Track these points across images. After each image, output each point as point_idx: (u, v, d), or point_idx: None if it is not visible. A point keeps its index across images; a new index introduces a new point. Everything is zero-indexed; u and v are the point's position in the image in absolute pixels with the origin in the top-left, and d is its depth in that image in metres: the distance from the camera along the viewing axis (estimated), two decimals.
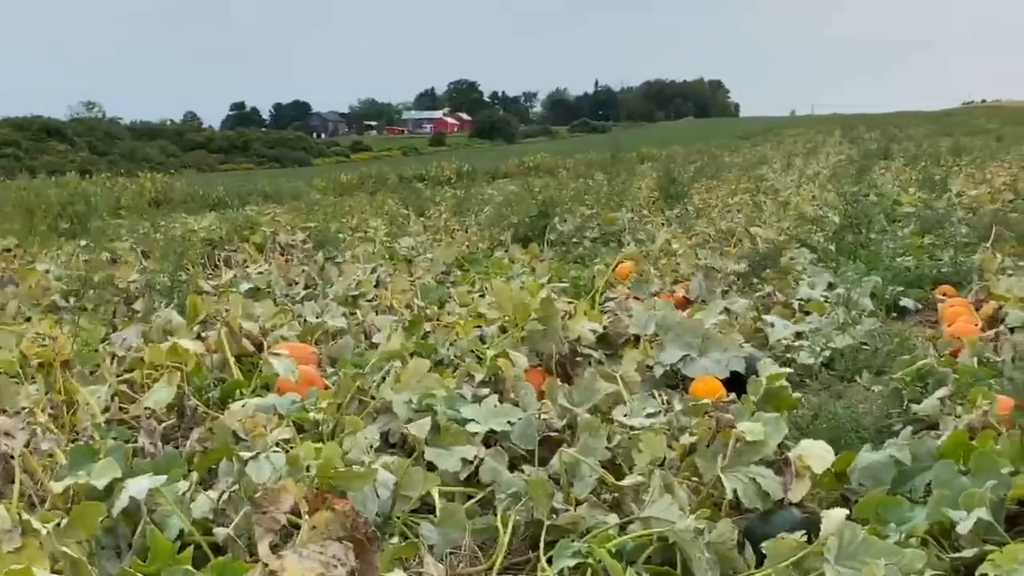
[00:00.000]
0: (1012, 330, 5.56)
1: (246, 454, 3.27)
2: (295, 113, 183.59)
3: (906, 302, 7.48)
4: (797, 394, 5.14)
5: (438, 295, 7.79)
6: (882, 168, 23.62)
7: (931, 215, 12.07)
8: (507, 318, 5.38)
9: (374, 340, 6.35)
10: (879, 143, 37.68)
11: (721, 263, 8.88)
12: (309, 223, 15.57)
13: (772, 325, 5.85)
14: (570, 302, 6.83)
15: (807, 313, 6.84)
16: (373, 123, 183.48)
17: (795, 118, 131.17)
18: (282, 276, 9.41)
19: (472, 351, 5.52)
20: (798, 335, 5.95)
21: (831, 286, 7.55)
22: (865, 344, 5.91)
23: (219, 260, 11.81)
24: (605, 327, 5.48)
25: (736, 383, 5.23)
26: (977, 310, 6.86)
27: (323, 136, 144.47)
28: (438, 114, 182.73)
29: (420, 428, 3.57)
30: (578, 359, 5.34)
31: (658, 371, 5.36)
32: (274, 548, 2.63)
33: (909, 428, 4.21)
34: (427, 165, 44.89)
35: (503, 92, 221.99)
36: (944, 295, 7.62)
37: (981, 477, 3.24)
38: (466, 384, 4.75)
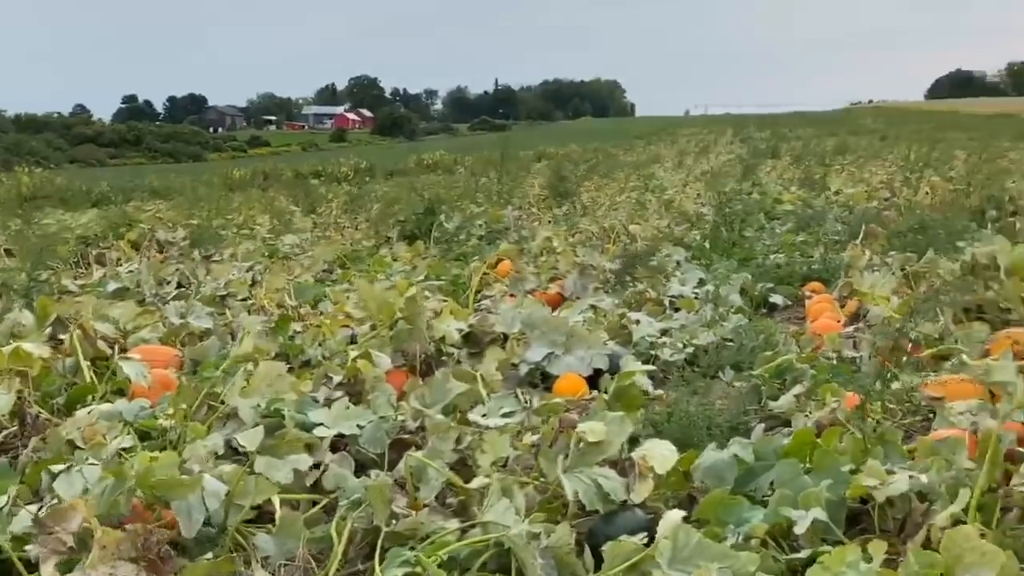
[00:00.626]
0: (871, 326, 5.65)
1: (58, 467, 3.12)
2: (191, 107, 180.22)
3: (776, 298, 7.59)
4: (659, 391, 5.17)
5: (313, 294, 7.65)
6: (768, 167, 24.03)
7: (808, 213, 12.32)
8: (374, 318, 5.29)
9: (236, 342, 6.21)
10: (768, 143, 38.41)
11: (599, 261, 8.90)
12: (193, 220, 15.24)
13: (637, 322, 5.86)
14: (444, 300, 6.77)
15: (677, 310, 6.89)
16: (272, 118, 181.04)
17: (689, 118, 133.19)
18: (153, 275, 9.15)
19: (343, 352, 5.42)
20: (664, 332, 5.98)
21: (702, 283, 7.62)
22: (730, 340, 5.97)
23: (92, 259, 11.45)
24: (471, 326, 5.43)
25: (600, 380, 5.23)
26: (842, 307, 7.00)
27: (220, 131, 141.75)
28: (339, 110, 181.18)
29: (251, 438, 3.46)
30: (444, 358, 5.28)
31: (523, 369, 5.33)
32: (62, 570, 2.50)
33: (762, 426, 4.25)
34: (325, 161, 44.46)
35: (404, 89, 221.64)
36: (812, 292, 7.75)
37: (822, 476, 3.26)
38: (324, 387, 4.65)
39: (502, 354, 5.13)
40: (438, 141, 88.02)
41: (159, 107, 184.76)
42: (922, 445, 3.47)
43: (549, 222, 13.96)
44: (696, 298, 7.23)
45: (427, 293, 6.88)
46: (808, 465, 3.41)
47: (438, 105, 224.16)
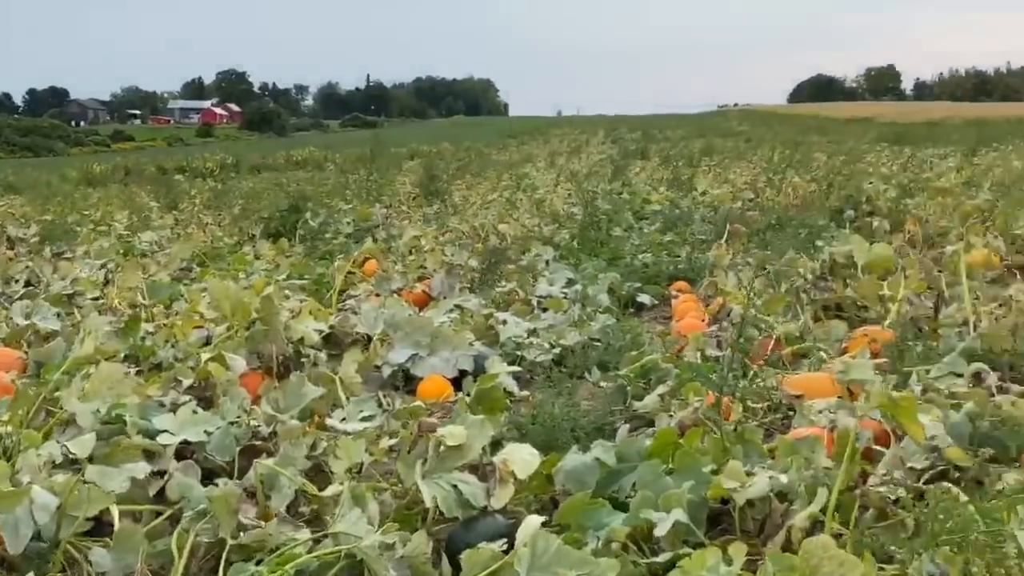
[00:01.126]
0: (734, 325, 5.67)
1: None
2: (52, 100, 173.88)
3: (643, 298, 7.60)
4: (524, 392, 5.09)
5: (168, 294, 7.35)
6: (638, 168, 24.33)
7: (675, 213, 12.47)
8: (229, 319, 5.07)
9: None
10: (638, 144, 38.96)
11: (466, 260, 8.80)
12: (47, 215, 14.61)
13: (504, 323, 5.77)
14: (304, 300, 6.57)
15: (545, 310, 6.84)
16: (137, 112, 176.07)
17: (562, 118, 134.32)
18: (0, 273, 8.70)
19: (196, 354, 5.18)
20: (531, 332, 5.91)
21: (571, 283, 7.58)
22: (597, 341, 5.93)
23: None
24: (332, 326, 5.26)
25: (466, 381, 5.13)
26: (707, 306, 7.05)
27: (82, 124, 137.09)
28: (206, 104, 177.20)
29: (82, 445, 3.24)
30: (302, 360, 5.10)
31: (386, 371, 5.19)
32: None
33: (626, 427, 4.20)
34: (191, 156, 43.37)
35: (274, 84, 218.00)
36: (678, 291, 7.80)
37: (683, 477, 3.22)
38: (173, 390, 4.43)
39: (363, 356, 4.97)
40: (308, 137, 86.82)
41: (18, 100, 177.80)
42: (782, 444, 3.46)
43: (419, 221, 13.81)
44: (564, 298, 7.19)
45: (287, 292, 6.69)
46: (670, 466, 3.36)
47: (309, 101, 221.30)
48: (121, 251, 10.07)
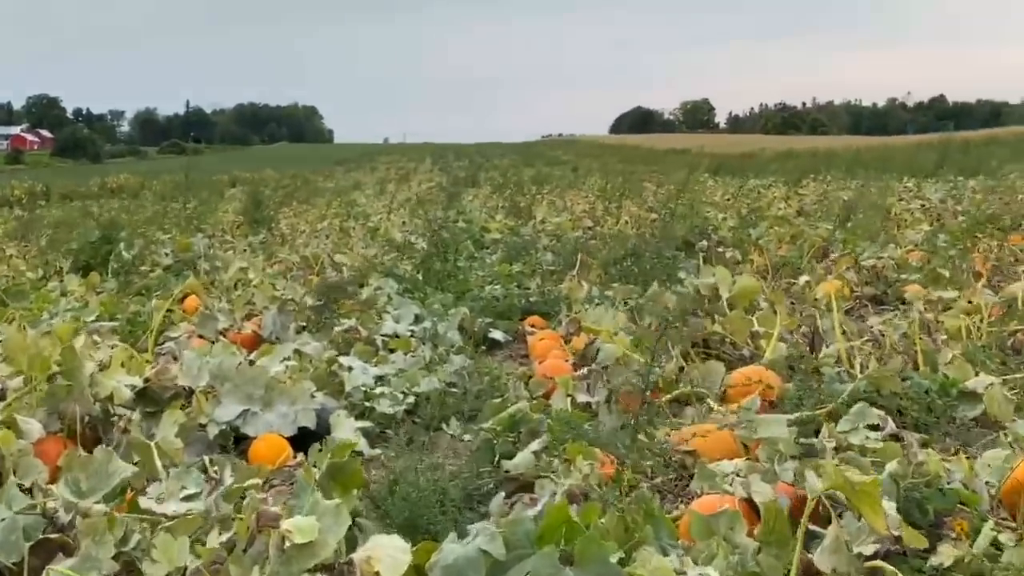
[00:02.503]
0: (606, 367, 5.19)
1: None
2: None
3: (496, 334, 7.07)
4: (376, 450, 4.46)
5: None
6: (471, 195, 23.91)
7: (518, 242, 12.01)
8: (26, 373, 4.25)
9: None
10: (467, 171, 38.70)
11: (300, 294, 8.07)
12: None
13: (350, 369, 5.09)
14: (115, 345, 5.74)
15: (392, 351, 6.21)
16: None
17: (389, 145, 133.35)
18: None
19: None
20: (379, 379, 5.26)
21: (417, 319, 6.97)
22: (453, 386, 5.35)
23: None
24: (147, 380, 4.49)
25: (307, 440, 4.46)
26: (567, 342, 6.56)
27: None
28: (16, 130, 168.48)
29: None
30: (113, 420, 4.32)
31: (212, 431, 4.46)
32: None
33: (501, 495, 3.62)
34: None
35: (88, 109, 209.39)
36: (533, 326, 7.30)
37: (588, 569, 2.65)
38: None
39: (184, 415, 4.23)
40: (125, 164, 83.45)
41: None
42: (694, 520, 2.95)
43: (244, 251, 12.94)
44: (412, 336, 6.59)
45: (96, 338, 5.84)
46: (566, 550, 2.79)
47: (125, 127, 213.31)
48: None
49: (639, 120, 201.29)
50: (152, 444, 3.82)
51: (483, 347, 6.83)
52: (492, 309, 7.55)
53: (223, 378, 4.58)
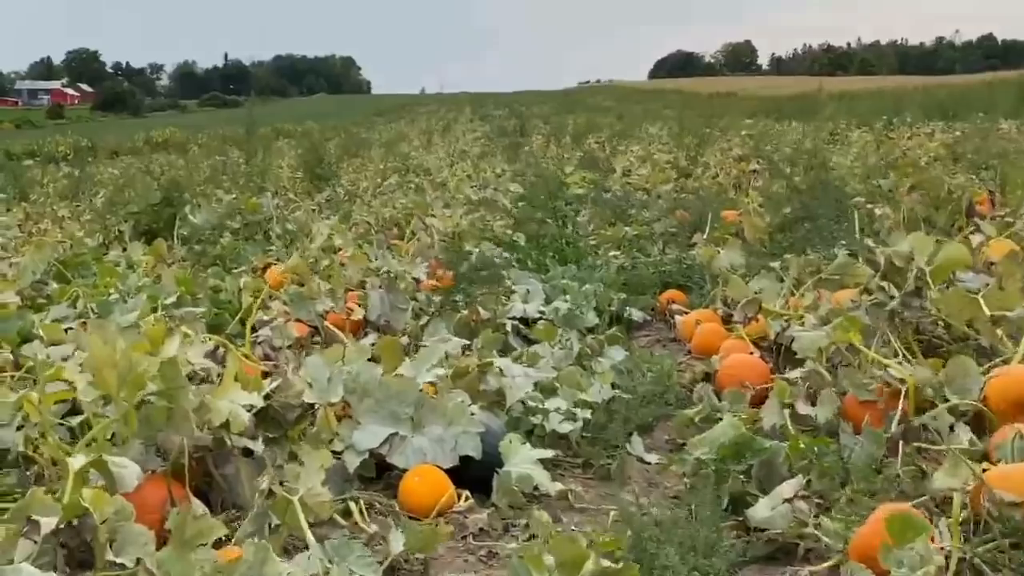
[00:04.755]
0: (835, 368, 4.20)
1: None
2: None
3: (633, 313, 6.07)
4: (557, 484, 3.49)
5: (16, 328, 5.48)
6: (527, 146, 22.72)
7: (610, 199, 10.96)
8: (113, 396, 3.30)
9: None
10: (508, 120, 37.51)
11: (399, 266, 7.10)
12: None
13: (511, 376, 4.06)
14: (210, 338, 4.80)
15: (529, 341, 5.24)
16: None
17: (426, 96, 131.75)
18: None
19: (60, 460, 3.39)
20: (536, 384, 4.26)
21: (547, 299, 5.97)
22: (617, 387, 4.36)
23: None
24: (269, 397, 3.53)
25: (469, 472, 3.51)
26: (726, 324, 5.58)
27: None
28: (56, 85, 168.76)
29: None
30: (229, 452, 3.38)
31: (351, 461, 3.50)
32: None
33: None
34: (41, 140, 40.29)
35: (127, 63, 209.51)
36: (673, 302, 6.31)
37: None
38: (29, 539, 2.67)
39: (328, 454, 3.25)
40: (166, 118, 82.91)
41: None
42: None
43: (314, 210, 12.00)
44: (543, 318, 5.61)
45: (185, 330, 4.89)
46: None
47: (164, 80, 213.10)
48: None
49: (679, 64, 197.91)
50: (296, 501, 2.87)
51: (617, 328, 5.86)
52: (622, 283, 6.54)
53: (363, 392, 3.62)
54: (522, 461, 3.41)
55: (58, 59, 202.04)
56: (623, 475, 3.72)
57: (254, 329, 5.33)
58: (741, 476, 3.32)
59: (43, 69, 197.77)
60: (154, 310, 5.64)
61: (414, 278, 6.77)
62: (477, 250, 7.71)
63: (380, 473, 3.62)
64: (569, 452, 3.93)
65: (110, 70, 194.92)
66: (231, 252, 8.47)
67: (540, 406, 3.81)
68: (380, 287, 5.95)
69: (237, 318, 5.63)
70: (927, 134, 18.91)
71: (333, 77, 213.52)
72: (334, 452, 3.54)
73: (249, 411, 3.38)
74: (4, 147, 36.51)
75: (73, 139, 37.81)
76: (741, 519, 3.16)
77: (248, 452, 3.40)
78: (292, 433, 3.57)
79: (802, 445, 3.41)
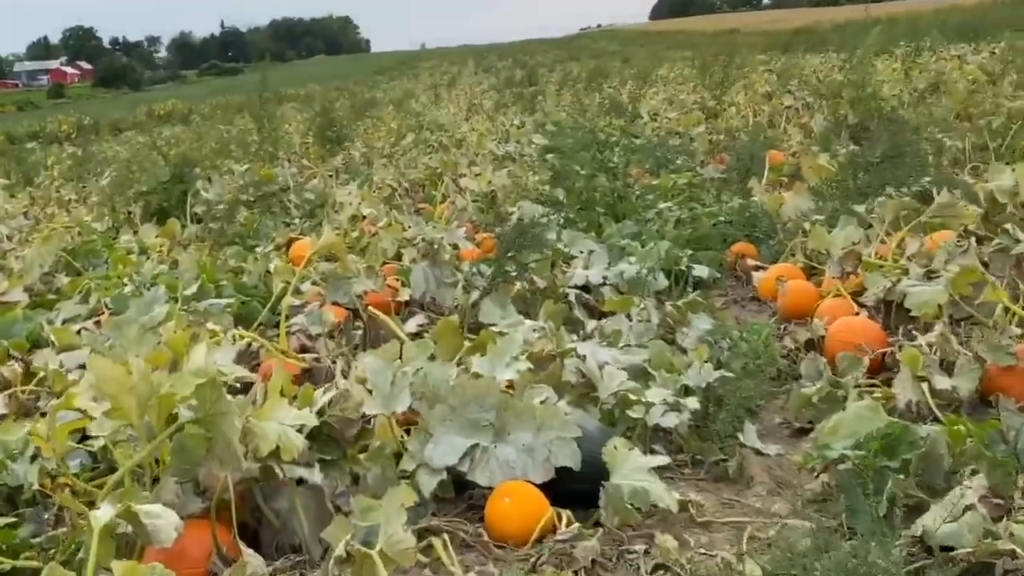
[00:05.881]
0: (959, 323, 3.62)
1: None
2: None
3: (700, 271, 5.46)
4: (675, 495, 2.92)
5: (24, 332, 4.94)
6: (551, 94, 21.96)
7: (646, 145, 10.29)
8: (135, 424, 2.73)
9: None
10: (512, 71, 36.64)
11: (435, 233, 6.49)
12: None
13: (598, 361, 3.46)
14: (240, 335, 4.24)
15: (592, 311, 4.65)
16: None
17: (427, 51, 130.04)
18: None
19: (78, 513, 2.83)
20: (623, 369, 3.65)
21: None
22: (722, 367, 3.76)
23: None
24: (323, 415, 2.95)
25: (565, 486, 2.94)
26: (808, 278, 5.00)
27: None
28: (55, 64, 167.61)
29: None
30: (281, 483, 2.81)
31: (426, 482, 2.93)
32: None
33: None
34: (43, 120, 39.71)
35: (124, 37, 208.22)
36: (744, 256, 5.71)
37: None
38: None
39: (409, 491, 2.67)
40: (167, 90, 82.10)
41: None
42: None
43: (330, 176, 11.38)
44: (605, 284, 5.02)
45: (212, 327, 4.33)
46: None
47: (162, 52, 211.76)
48: None
49: (679, 4, 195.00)
50: (375, 553, 2.31)
51: (688, 289, 5.28)
52: (685, 238, 5.93)
53: (432, 397, 3.04)
54: (632, 471, 2.84)
55: (55, 38, 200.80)
56: (744, 475, 3.15)
57: (289, 320, 4.75)
58: (897, 473, 2.74)
59: (41, 49, 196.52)
60: (174, 302, 5.07)
61: (452, 245, 6.18)
62: (516, 210, 7.13)
63: (459, 492, 3.05)
64: (671, 447, 3.36)
65: (108, 46, 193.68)
66: (250, 229, 7.89)
67: (641, 398, 3.21)
68: (422, 259, 5.36)
69: (267, 308, 5.06)
70: (957, 56, 18.08)
71: (331, 38, 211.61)
72: (403, 472, 2.98)
73: (300, 431, 2.82)
74: (6, 130, 35.97)
75: (75, 117, 37.09)
76: (905, 529, 2.59)
77: (301, 478, 2.84)
78: (351, 451, 3.01)
79: (963, 430, 2.84)
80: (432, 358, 3.31)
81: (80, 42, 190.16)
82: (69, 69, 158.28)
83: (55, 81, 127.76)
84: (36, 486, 3.12)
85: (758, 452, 3.32)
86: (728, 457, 3.22)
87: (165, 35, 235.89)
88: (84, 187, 13.74)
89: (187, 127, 28.80)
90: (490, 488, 2.92)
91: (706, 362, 3.62)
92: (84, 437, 3.37)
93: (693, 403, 3.27)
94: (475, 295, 4.90)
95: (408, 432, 3.21)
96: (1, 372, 4.27)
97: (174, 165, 9.76)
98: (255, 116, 14.53)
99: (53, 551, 2.81)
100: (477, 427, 2.99)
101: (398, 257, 6.20)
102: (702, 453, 3.28)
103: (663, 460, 2.92)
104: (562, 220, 6.27)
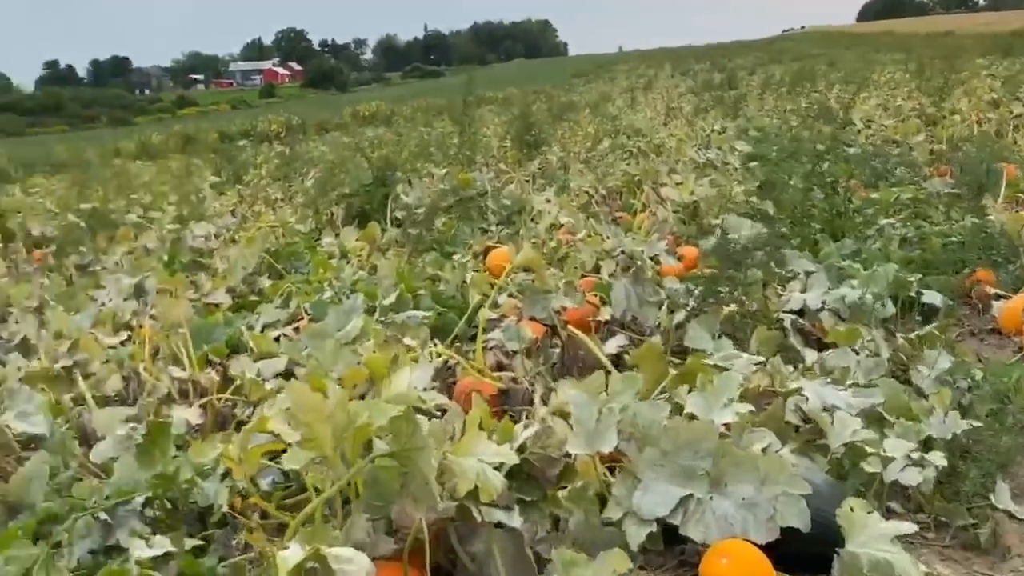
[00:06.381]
0: None
1: None
2: (114, 69, 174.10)
3: (932, 297, 4.97)
4: (922, 566, 2.54)
5: (223, 337, 4.93)
6: (755, 99, 21.29)
7: (861, 155, 9.69)
8: (329, 458, 2.57)
9: (93, 453, 3.49)
10: (710, 74, 35.80)
11: (634, 245, 6.21)
12: (88, 202, 12.26)
13: (825, 403, 3.12)
14: (438, 352, 4.07)
15: (823, 346, 4.26)
16: (200, 77, 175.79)
17: (623, 54, 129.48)
18: None
19: (265, 551, 2.67)
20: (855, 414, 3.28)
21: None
22: (967, 415, 3.33)
23: None
24: (524, 451, 2.73)
25: (788, 547, 2.61)
26: None
27: (147, 92, 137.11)
28: (267, 64, 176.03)
29: None
30: (477, 533, 2.59)
31: (634, 534, 2.66)
32: None
33: None
34: (255, 119, 41.50)
35: (332, 39, 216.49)
36: (980, 282, 5.19)
37: None
38: None
39: (622, 556, 2.40)
40: (371, 91, 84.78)
41: (82, 71, 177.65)
42: None
43: (527, 182, 11.23)
44: (824, 310, 4.62)
45: (407, 341, 4.18)
46: None
47: (368, 54, 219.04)
48: (165, 257, 7.62)
49: (889, 5, 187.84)
50: None
51: (916, 317, 4.82)
52: (915, 261, 5.45)
53: (642, 439, 2.77)
54: (873, 539, 2.48)
55: (268, 39, 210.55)
56: (999, 544, 2.75)
57: (486, 334, 4.56)
58: None
59: (255, 50, 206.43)
60: (371, 311, 4.98)
61: (652, 259, 5.88)
62: (720, 223, 6.77)
63: (670, 544, 2.77)
64: (909, 505, 2.98)
65: (317, 48, 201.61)
66: (448, 235, 7.80)
67: (879, 451, 2.85)
68: (623, 274, 5.09)
69: (463, 319, 4.90)
70: None
71: (530, 41, 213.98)
72: (607, 519, 2.72)
73: (499, 468, 2.59)
74: (220, 128, 37.70)
75: (284, 117, 38.53)
76: None
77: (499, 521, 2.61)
78: (551, 492, 2.77)
79: None
80: (640, 393, 3.03)
81: (291, 44, 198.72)
82: (280, 70, 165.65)
83: (267, 81, 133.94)
84: (225, 508, 3.03)
85: (1012, 516, 2.91)
86: (979, 522, 2.82)
87: (371, 38, 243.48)
88: (290, 186, 14.09)
89: (389, 129, 29.39)
90: (704, 544, 2.62)
91: (951, 408, 3.21)
92: (277, 453, 3.28)
93: (939, 459, 2.88)
94: (679, 316, 4.60)
95: (611, 471, 2.96)
96: (199, 380, 4.23)
97: (376, 168, 9.80)
98: (456, 119, 14.58)
99: None
100: (691, 475, 2.69)
101: (596, 270, 5.96)
102: (947, 515, 2.89)
103: (909, 528, 2.55)
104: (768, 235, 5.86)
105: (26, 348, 5.13)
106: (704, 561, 2.59)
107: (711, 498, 2.67)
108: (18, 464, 3.59)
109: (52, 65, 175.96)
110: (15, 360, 4.82)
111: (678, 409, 3.09)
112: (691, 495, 2.67)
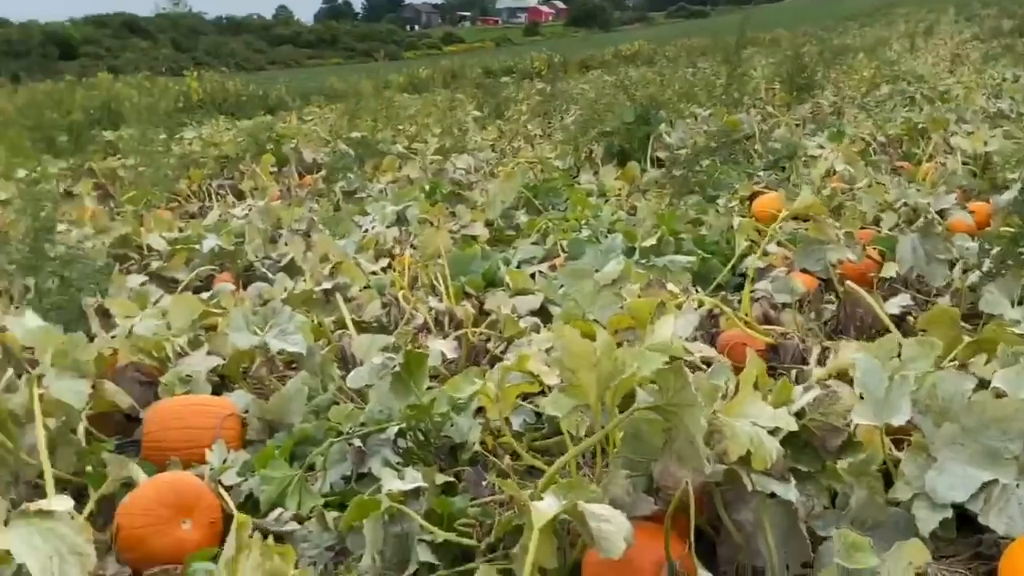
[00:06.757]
0: None
1: None
2: (387, 6, 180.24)
3: None
4: None
5: (480, 270, 4.87)
6: None
7: None
8: (591, 402, 2.40)
9: (350, 378, 3.47)
10: (996, 19, 33.05)
11: (919, 197, 5.73)
12: (357, 131, 12.62)
13: None
14: (701, 300, 3.82)
15: None
16: (467, 14, 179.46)
17: None
18: (271, 222, 6.52)
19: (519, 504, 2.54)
20: None
21: None
22: None
23: (216, 188, 9.00)
24: (802, 416, 2.47)
25: None
26: None
27: (416, 28, 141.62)
28: (532, 3, 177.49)
29: None
30: (746, 501, 2.37)
31: (925, 520, 2.36)
32: None
33: None
34: (518, 56, 41.94)
35: None
36: None
37: None
38: None
39: (921, 548, 2.12)
40: (634, 31, 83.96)
41: (357, 6, 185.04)
42: None
43: (796, 126, 10.69)
44: None
45: (672, 287, 3.96)
46: None
47: None
48: (426, 187, 7.68)
49: None
50: None
51: None
52: None
53: (939, 413, 2.45)
54: None
55: None
56: None
57: (753, 287, 4.27)
58: None
59: None
60: (629, 253, 4.78)
61: (939, 213, 5.41)
62: (1020, 177, 6.14)
63: (959, 529, 2.45)
64: None
65: None
66: (712, 178, 7.47)
67: None
68: (909, 229, 4.67)
69: (728, 267, 4.63)
70: None
71: None
72: (892, 500, 2.43)
73: (773, 433, 2.34)
74: (484, 64, 38.24)
75: (547, 55, 38.64)
76: None
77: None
78: (830, 463, 2.50)
79: None
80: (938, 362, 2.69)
81: None
82: (545, 8, 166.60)
83: (531, 20, 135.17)
84: (478, 446, 2.93)
85: None
86: None
87: None
88: (549, 123, 14.05)
89: (651, 68, 28.90)
90: (1006, 538, 2.29)
91: None
92: (530, 394, 3.16)
93: None
94: (973, 277, 4.16)
95: (895, 445, 2.66)
96: (455, 312, 4.16)
97: (639, 106, 9.55)
98: (727, 59, 14.07)
99: (490, 523, 2.58)
100: (997, 458, 2.36)
101: (875, 222, 5.54)
102: None
103: None
104: None
105: (292, 269, 5.25)
106: (1006, 556, 2.26)
107: (1018, 485, 2.33)
108: (279, 382, 3.63)
109: (330, 0, 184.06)
110: (281, 280, 4.94)
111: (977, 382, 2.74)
112: (995, 480, 2.34)
